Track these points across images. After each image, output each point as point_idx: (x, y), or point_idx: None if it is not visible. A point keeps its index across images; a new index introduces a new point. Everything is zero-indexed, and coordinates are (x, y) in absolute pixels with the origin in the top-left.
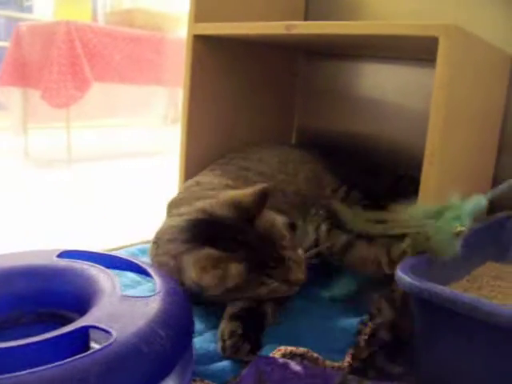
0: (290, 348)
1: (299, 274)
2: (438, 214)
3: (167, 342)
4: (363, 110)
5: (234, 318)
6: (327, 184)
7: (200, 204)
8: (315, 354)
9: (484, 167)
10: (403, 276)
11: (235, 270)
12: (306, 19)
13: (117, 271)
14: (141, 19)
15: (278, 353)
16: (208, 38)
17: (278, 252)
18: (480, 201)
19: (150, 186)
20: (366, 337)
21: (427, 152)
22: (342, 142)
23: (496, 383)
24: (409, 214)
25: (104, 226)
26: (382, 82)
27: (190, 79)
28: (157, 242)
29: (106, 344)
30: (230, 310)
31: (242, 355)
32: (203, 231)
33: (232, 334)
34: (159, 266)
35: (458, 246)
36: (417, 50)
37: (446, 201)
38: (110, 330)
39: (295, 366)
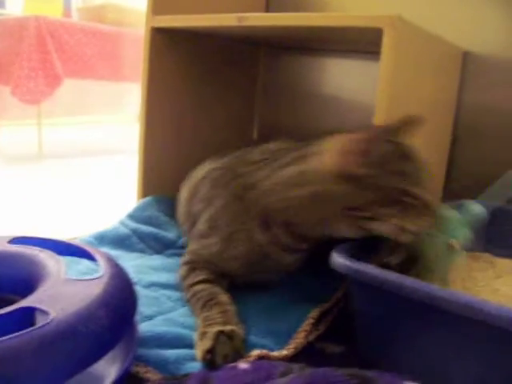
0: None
1: (425, 219)
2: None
3: (106, 323)
4: (324, 104)
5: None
6: None
7: None
8: (264, 351)
9: (436, 159)
10: (338, 257)
11: (382, 147)
12: (267, 12)
13: (75, 259)
14: (113, 15)
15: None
16: (167, 31)
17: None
18: (476, 210)
19: (120, 183)
20: (313, 320)
21: None
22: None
23: (432, 361)
24: None
25: (69, 218)
26: (343, 77)
27: (148, 73)
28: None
29: (42, 323)
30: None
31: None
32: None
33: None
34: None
35: (455, 258)
36: (373, 44)
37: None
38: (49, 310)
39: (243, 364)
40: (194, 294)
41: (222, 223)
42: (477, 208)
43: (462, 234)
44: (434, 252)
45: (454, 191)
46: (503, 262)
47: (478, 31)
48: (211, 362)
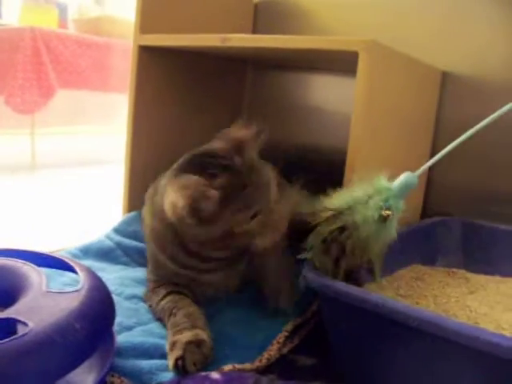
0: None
1: (272, 234)
2: (365, 200)
3: (83, 333)
4: (309, 118)
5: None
6: None
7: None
8: (237, 365)
9: None
10: (308, 272)
11: (209, 194)
12: (254, 32)
13: (59, 271)
14: (108, 27)
15: None
16: (154, 48)
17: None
18: (409, 179)
19: (113, 193)
20: (287, 333)
21: (348, 163)
22: (289, 151)
23: (402, 375)
24: (335, 201)
25: (59, 229)
26: (329, 94)
27: (136, 89)
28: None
29: (20, 334)
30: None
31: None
32: (192, 162)
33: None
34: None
35: (390, 231)
36: (354, 63)
37: (374, 183)
38: (27, 321)
39: (214, 374)
40: (162, 310)
41: (151, 240)
42: (403, 177)
43: (394, 205)
44: (367, 224)
45: (433, 209)
46: (477, 278)
47: (458, 52)
48: (182, 368)
